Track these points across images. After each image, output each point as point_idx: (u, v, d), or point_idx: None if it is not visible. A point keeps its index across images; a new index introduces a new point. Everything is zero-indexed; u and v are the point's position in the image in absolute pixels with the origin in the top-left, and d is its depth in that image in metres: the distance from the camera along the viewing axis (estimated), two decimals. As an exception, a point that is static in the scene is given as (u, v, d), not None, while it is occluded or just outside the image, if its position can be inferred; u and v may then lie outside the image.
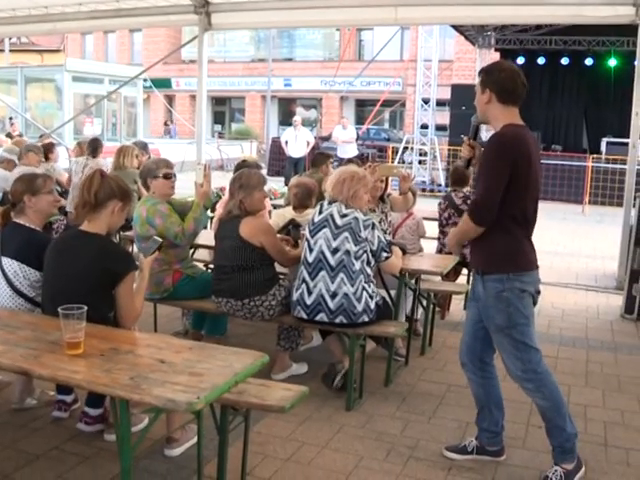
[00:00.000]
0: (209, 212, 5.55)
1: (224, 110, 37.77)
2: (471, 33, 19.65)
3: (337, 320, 4.17)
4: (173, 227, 4.48)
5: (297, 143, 15.79)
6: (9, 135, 13.04)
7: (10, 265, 3.57)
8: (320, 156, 7.08)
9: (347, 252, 4.15)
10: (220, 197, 6.63)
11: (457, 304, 6.65)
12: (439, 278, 6.32)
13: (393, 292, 4.77)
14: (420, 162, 18.51)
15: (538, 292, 3.40)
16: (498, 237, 3.26)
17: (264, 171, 19.93)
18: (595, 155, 16.37)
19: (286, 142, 16.11)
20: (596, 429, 4.12)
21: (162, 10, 8.86)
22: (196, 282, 4.68)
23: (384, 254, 4.25)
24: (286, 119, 31.42)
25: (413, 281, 5.00)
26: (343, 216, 4.20)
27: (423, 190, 15.99)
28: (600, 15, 7.41)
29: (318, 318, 4.20)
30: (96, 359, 2.62)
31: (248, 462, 3.43)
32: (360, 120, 30.19)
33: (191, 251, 5.63)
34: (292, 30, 33.03)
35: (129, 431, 2.48)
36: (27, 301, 3.54)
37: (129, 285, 3.30)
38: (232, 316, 4.64)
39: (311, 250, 4.23)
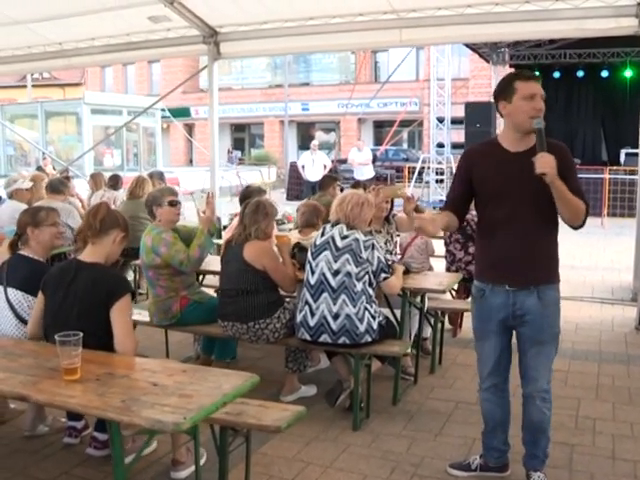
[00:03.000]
0: (216, 238, 5.64)
1: (243, 136, 38.19)
2: (485, 51, 19.73)
3: (340, 341, 4.21)
4: (178, 255, 4.57)
5: (314, 167, 15.92)
6: (39, 169, 13.33)
7: (15, 295, 3.68)
8: (328, 179, 7.16)
9: (348, 274, 4.21)
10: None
11: (469, 322, 6.63)
12: (448, 296, 6.36)
13: (398, 311, 4.80)
14: (437, 181, 18.52)
15: None
16: (555, 245, 3.35)
17: (284, 196, 20.19)
18: (612, 167, 16.27)
19: (303, 166, 16.26)
20: (604, 442, 4.10)
21: (172, 42, 9.05)
22: (203, 307, 4.75)
23: (382, 275, 4.29)
24: (305, 143, 31.65)
25: (418, 299, 5.04)
26: (344, 238, 4.27)
27: (441, 209, 15.94)
28: (603, 28, 7.42)
29: (321, 339, 4.26)
30: (92, 384, 2.70)
31: (253, 483, 3.48)
32: (378, 141, 30.34)
33: (200, 277, 5.74)
34: (308, 55, 33.39)
35: (122, 452, 2.54)
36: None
37: (123, 309, 3.28)
38: (238, 339, 4.71)
39: (313, 272, 4.30)
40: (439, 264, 6.72)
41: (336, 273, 4.21)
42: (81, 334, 2.79)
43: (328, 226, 4.39)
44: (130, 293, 3.36)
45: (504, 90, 3.27)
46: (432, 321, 5.38)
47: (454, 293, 6.52)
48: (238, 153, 33.51)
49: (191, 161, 35.60)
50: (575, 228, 3.31)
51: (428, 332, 5.55)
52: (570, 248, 10.76)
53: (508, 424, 3.63)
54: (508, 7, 7.39)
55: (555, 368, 5.26)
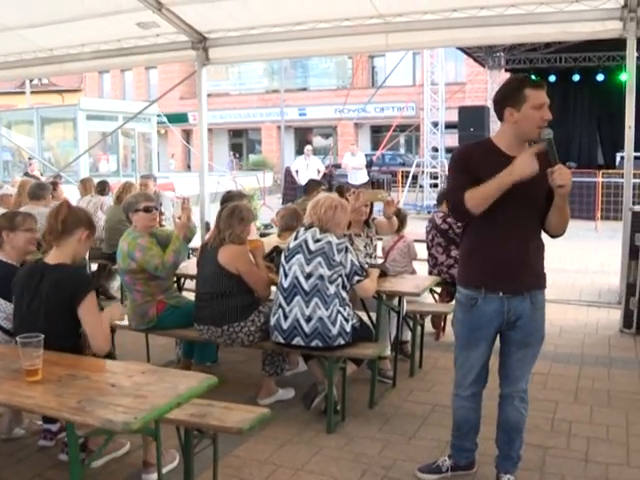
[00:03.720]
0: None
1: (241, 142, 38.27)
2: (480, 55, 19.80)
3: (313, 344, 4.23)
4: (153, 260, 4.60)
5: (308, 171, 15.93)
6: (27, 174, 13.37)
7: (-12, 299, 3.70)
8: (312, 183, 7.20)
9: (321, 277, 4.22)
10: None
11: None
12: (431, 299, 6.38)
13: (374, 315, 4.82)
14: (432, 185, 18.55)
15: None
16: (544, 249, 3.36)
17: (280, 200, 20.23)
18: (607, 170, 16.28)
19: (297, 171, 16.27)
20: (578, 445, 4.10)
21: (161, 47, 9.10)
22: (180, 311, 4.77)
23: (356, 277, 4.30)
24: (303, 148, 31.73)
25: (396, 302, 5.05)
26: (317, 241, 4.28)
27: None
28: (588, 31, 7.47)
29: (294, 342, 4.27)
30: (52, 385, 2.73)
31: (222, 485, 3.50)
32: (376, 146, 30.37)
33: (182, 280, 5.76)
34: (305, 60, 33.56)
35: (77, 452, 2.57)
36: (4, 333, 3.65)
37: (89, 307, 3.30)
38: (213, 343, 4.73)
39: (286, 275, 4.32)
40: (422, 267, 6.74)
41: (309, 276, 4.23)
42: (42, 336, 2.81)
43: (302, 229, 4.41)
44: (94, 290, 3.37)
45: (512, 97, 3.15)
46: (411, 324, 5.39)
47: (437, 297, 6.54)
48: (235, 160, 33.55)
49: (189, 166, 35.64)
50: (554, 237, 3.34)
51: (408, 335, 5.56)
52: (561, 251, 10.80)
53: (480, 423, 3.64)
54: (493, 11, 7.44)
55: (535, 371, 5.27)
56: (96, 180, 9.30)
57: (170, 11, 8.14)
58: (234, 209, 4.59)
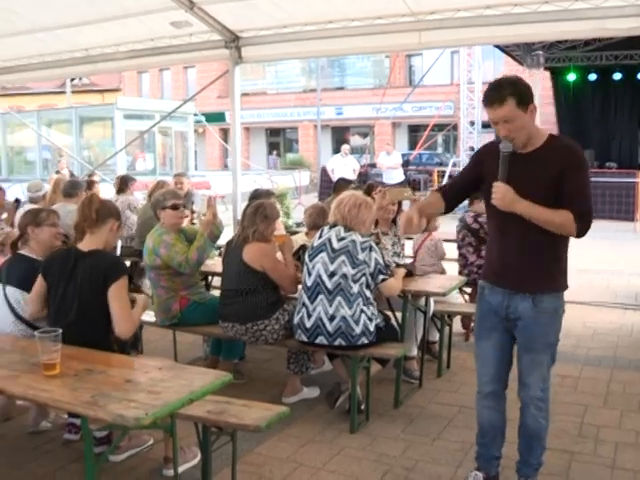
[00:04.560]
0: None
1: (279, 141, 38.39)
2: (518, 53, 19.53)
3: (336, 343, 4.21)
4: (177, 256, 4.63)
5: (344, 170, 15.88)
6: (58, 172, 13.57)
7: (13, 293, 3.77)
8: (341, 182, 7.17)
9: (344, 275, 4.20)
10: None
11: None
12: (461, 299, 6.31)
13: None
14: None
15: None
16: (562, 253, 3.22)
17: (316, 199, 20.29)
18: (647, 170, 15.94)
19: (332, 170, 16.24)
20: (606, 451, 4.02)
21: (194, 47, 9.12)
22: (204, 308, 4.79)
23: (380, 276, 4.27)
24: (340, 147, 31.69)
25: (423, 302, 5.00)
26: (341, 239, 4.26)
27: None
28: (624, 27, 7.26)
29: (318, 341, 4.26)
30: (69, 379, 2.76)
31: (242, 482, 3.51)
32: (413, 145, 30.20)
33: (210, 278, 5.78)
34: (342, 59, 33.50)
35: (91, 446, 2.59)
36: (28, 327, 3.71)
37: (118, 292, 3.37)
38: (238, 340, 4.74)
39: (310, 274, 4.30)
40: (453, 267, 6.66)
41: (332, 275, 4.21)
42: (60, 331, 2.85)
43: (326, 228, 4.39)
44: (127, 276, 3.44)
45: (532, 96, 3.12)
46: (439, 325, 5.33)
47: (467, 297, 6.47)
48: (277, 158, 33.89)
49: (226, 165, 35.87)
50: (576, 237, 3.13)
51: (436, 336, 5.50)
52: (599, 253, 10.63)
53: (505, 430, 3.56)
54: (527, 8, 7.28)
55: (566, 374, 5.26)
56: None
57: (202, 10, 8.16)
58: (258, 207, 4.58)
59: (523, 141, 3.09)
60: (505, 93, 3.00)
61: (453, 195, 3.44)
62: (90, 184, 8.62)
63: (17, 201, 7.39)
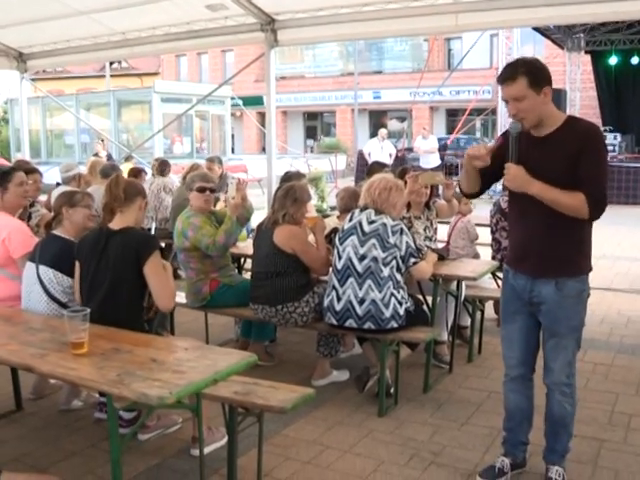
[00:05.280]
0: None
1: (316, 124, 38.31)
2: (558, 36, 19.18)
3: (365, 326, 4.20)
4: (204, 239, 4.65)
5: (381, 154, 15.79)
6: (96, 155, 13.73)
7: (45, 272, 3.83)
8: (375, 165, 7.12)
9: (374, 259, 4.18)
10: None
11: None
12: (493, 284, 6.23)
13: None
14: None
15: None
16: (585, 236, 3.19)
17: (352, 183, 20.23)
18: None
19: (369, 154, 16.17)
20: (636, 439, 3.95)
21: (230, 30, 9.11)
22: (234, 290, 4.81)
23: (412, 259, 4.24)
24: (377, 131, 31.52)
25: (454, 287, 4.96)
26: (371, 222, 4.24)
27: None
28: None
29: (347, 324, 4.25)
30: (96, 358, 2.80)
31: (269, 463, 3.53)
32: (451, 130, 29.85)
33: (242, 260, 5.80)
34: (380, 42, 33.20)
35: (116, 424, 2.63)
36: (60, 306, 3.77)
37: (154, 267, 3.42)
38: (268, 322, 4.75)
39: (340, 257, 4.30)
40: (487, 252, 6.58)
41: (362, 258, 4.20)
42: (88, 310, 2.89)
43: (357, 211, 4.38)
44: (158, 250, 3.50)
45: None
46: (471, 309, 5.29)
47: (500, 282, 6.38)
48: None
49: (264, 149, 35.98)
50: (590, 220, 3.10)
51: (468, 321, 5.46)
52: (636, 240, 10.41)
53: (533, 416, 3.53)
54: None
55: (598, 362, 5.19)
56: (172, 162, 9.44)
57: (238, -8, 8.15)
58: (288, 190, 4.58)
59: (533, 122, 3.06)
60: (518, 71, 3.00)
61: (484, 176, 3.39)
62: (137, 173, 8.53)
63: (58, 185, 7.51)
